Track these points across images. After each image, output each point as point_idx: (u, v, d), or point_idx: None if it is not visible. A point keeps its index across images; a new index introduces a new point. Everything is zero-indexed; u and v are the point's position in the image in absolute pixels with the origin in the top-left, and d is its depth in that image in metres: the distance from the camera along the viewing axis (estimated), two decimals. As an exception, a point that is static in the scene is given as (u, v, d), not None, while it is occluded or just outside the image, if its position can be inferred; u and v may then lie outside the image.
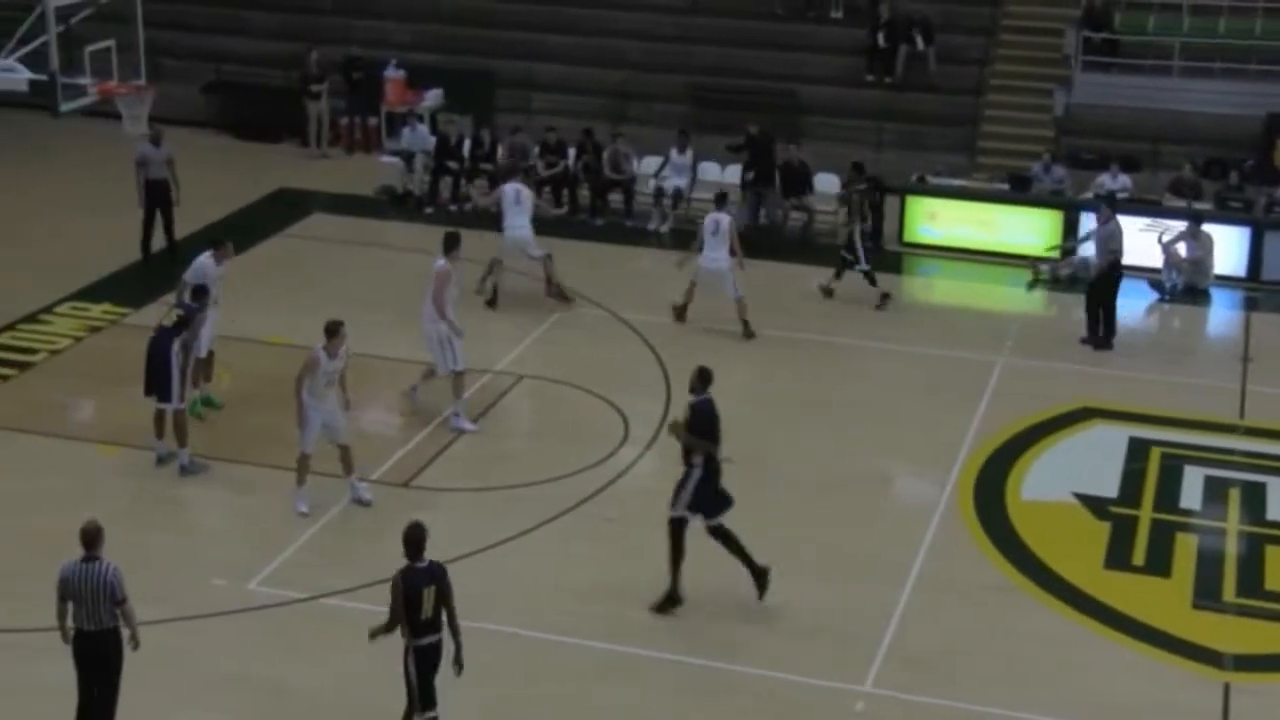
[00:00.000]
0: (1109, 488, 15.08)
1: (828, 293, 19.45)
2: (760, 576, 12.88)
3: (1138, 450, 15.77)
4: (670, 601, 12.82)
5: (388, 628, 10.52)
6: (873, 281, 19.29)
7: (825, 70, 25.52)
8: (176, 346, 14.66)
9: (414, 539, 10.40)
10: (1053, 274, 20.22)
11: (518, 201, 18.65)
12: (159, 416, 14.80)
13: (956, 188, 21.94)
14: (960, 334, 18.89)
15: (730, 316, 18.30)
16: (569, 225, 21.90)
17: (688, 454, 12.70)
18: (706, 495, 12.70)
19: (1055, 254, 20.47)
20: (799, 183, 21.71)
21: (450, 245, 15.95)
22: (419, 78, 25.26)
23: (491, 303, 18.76)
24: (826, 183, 22.27)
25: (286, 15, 27.65)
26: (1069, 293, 19.79)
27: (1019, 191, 21.60)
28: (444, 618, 10.50)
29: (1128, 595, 13.32)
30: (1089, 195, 21.12)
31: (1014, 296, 20.47)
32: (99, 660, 10.65)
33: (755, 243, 20.72)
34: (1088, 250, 19.15)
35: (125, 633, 10.70)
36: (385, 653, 12.45)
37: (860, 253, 19.20)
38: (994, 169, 23.02)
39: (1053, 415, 16.54)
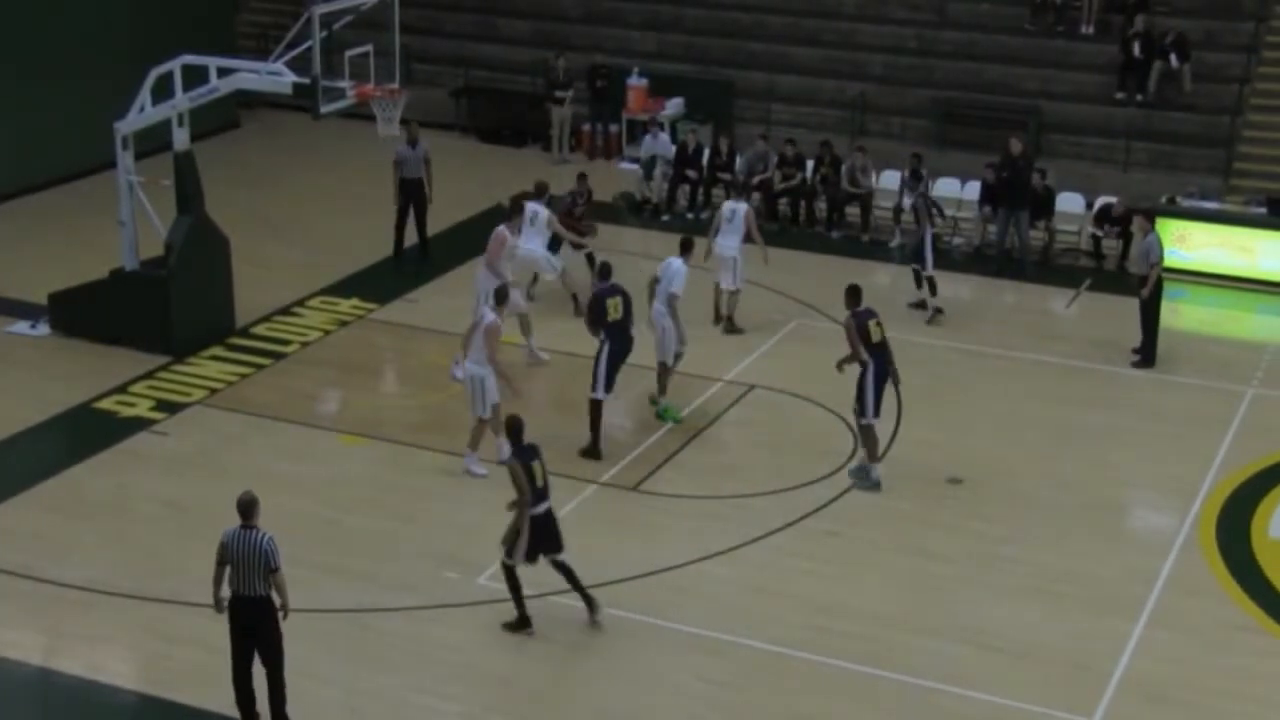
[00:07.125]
0: (1365, 529, 14.38)
1: (922, 306, 19.10)
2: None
3: (1397, 491, 15.01)
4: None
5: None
6: (934, 290, 18.96)
7: (1073, 87, 24.87)
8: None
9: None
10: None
11: (532, 223, 18.32)
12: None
13: (1209, 210, 21.13)
14: (1209, 362, 18.24)
15: (995, 343, 18.31)
16: (804, 238, 21.82)
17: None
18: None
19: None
20: (1040, 204, 21.19)
21: (513, 211, 17.66)
22: (661, 86, 25.55)
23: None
24: (1073, 202, 21.74)
25: (536, 23, 28.26)
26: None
27: (1279, 216, 20.73)
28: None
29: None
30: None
31: (1267, 325, 19.64)
32: (255, 626, 11.10)
33: (1001, 265, 20.49)
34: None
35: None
36: (615, 655, 12.57)
37: (928, 259, 18.90)
38: (1251, 191, 22.11)
39: (1306, 450, 15.86)
